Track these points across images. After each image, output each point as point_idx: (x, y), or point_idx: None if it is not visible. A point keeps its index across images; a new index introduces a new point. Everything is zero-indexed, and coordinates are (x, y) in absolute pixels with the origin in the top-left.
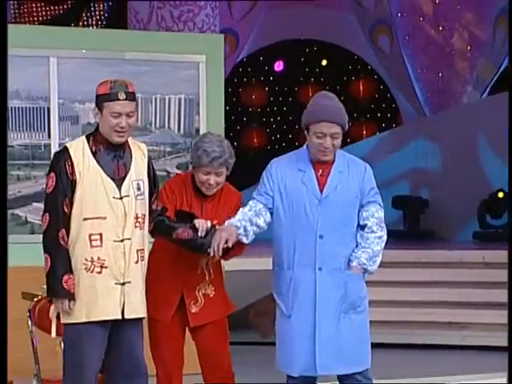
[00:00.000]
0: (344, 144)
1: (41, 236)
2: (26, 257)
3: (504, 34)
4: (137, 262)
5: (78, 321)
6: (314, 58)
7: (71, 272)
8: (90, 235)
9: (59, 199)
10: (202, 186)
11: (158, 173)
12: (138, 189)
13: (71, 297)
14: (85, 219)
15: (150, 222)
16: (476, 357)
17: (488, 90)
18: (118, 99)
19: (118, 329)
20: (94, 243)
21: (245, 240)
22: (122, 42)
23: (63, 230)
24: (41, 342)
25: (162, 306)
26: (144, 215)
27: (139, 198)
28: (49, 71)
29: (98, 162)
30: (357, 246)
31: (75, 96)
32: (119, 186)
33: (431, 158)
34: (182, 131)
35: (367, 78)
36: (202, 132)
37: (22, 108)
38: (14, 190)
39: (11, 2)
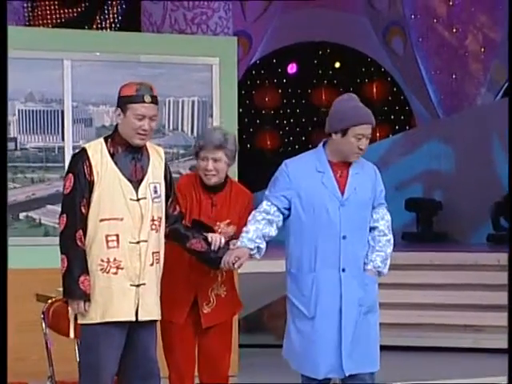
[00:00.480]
0: None
1: (55, 238)
2: (40, 259)
3: None
4: (152, 265)
5: (93, 321)
6: (327, 60)
7: (87, 273)
8: (107, 236)
9: (77, 200)
10: (203, 175)
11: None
12: (155, 191)
13: (87, 298)
14: (101, 220)
15: (166, 226)
16: (490, 359)
17: (502, 91)
18: (144, 102)
19: (132, 331)
20: (110, 244)
21: (257, 257)
22: (136, 45)
23: (80, 231)
24: (55, 344)
25: (175, 308)
26: (160, 218)
27: (156, 200)
28: (63, 74)
29: (115, 163)
30: (369, 248)
31: (89, 98)
32: (136, 188)
33: (445, 160)
34: (195, 133)
35: (381, 80)
36: None
37: (36, 111)
38: (27, 192)
39: (25, 5)
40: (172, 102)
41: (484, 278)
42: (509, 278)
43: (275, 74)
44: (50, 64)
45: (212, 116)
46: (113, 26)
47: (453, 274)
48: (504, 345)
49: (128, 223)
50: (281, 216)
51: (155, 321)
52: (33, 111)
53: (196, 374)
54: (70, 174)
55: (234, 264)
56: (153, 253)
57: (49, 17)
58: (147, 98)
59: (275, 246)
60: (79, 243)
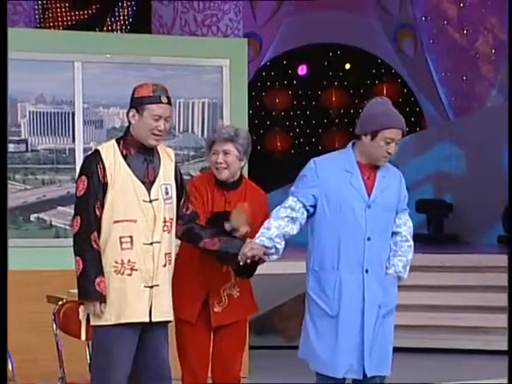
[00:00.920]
0: None
1: (66, 240)
2: (50, 261)
3: None
4: (165, 266)
5: (107, 323)
6: (337, 61)
7: (103, 274)
8: (121, 238)
9: (91, 202)
10: (214, 169)
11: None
12: (167, 193)
13: (103, 299)
14: (115, 222)
15: (180, 227)
16: (500, 361)
17: None
18: (161, 102)
19: (144, 332)
20: (124, 246)
21: (274, 257)
22: (146, 47)
23: (95, 233)
24: (65, 346)
25: (187, 305)
26: (172, 219)
27: (167, 202)
28: (74, 76)
29: (128, 165)
30: (391, 252)
31: (100, 100)
32: (149, 190)
33: (455, 162)
34: (205, 135)
35: (391, 81)
36: None
37: (47, 112)
38: (38, 194)
39: (36, 7)
40: (182, 103)
41: (494, 279)
42: (509, 279)
43: (285, 76)
44: (61, 66)
45: (222, 117)
46: (123, 27)
47: (463, 275)
48: None
49: (141, 225)
50: (305, 213)
51: (167, 322)
52: (44, 113)
53: (209, 374)
54: (84, 176)
55: (248, 257)
56: (165, 254)
57: (60, 19)
58: (164, 99)
59: (288, 247)
60: (94, 245)
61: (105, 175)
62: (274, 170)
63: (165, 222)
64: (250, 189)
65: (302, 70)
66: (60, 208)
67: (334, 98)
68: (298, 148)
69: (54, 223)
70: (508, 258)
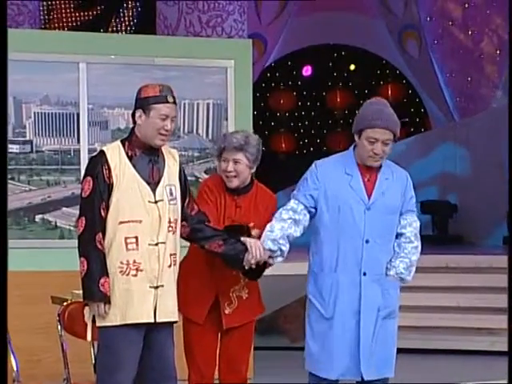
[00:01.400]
0: None
1: (70, 241)
2: (55, 261)
3: None
4: (170, 266)
5: (113, 323)
6: (342, 62)
7: (107, 275)
8: (126, 238)
9: (96, 203)
10: (224, 177)
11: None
12: (171, 194)
13: (107, 300)
14: (121, 223)
15: (185, 228)
16: (505, 362)
17: None
18: (168, 102)
19: (149, 333)
20: (129, 246)
21: (279, 259)
22: (151, 48)
23: (100, 234)
24: (70, 346)
25: (196, 306)
26: (176, 220)
27: (172, 202)
28: (78, 77)
29: (133, 166)
30: (394, 254)
31: (104, 101)
32: (154, 191)
33: (460, 163)
34: (210, 136)
35: (395, 82)
36: None
37: (52, 113)
38: (43, 194)
39: (41, 8)
40: (187, 104)
41: (500, 280)
42: (509, 280)
43: (290, 77)
44: (66, 67)
45: (227, 119)
46: (128, 28)
47: (468, 276)
48: None
49: (147, 225)
50: (307, 215)
51: (172, 323)
52: (48, 114)
53: (216, 375)
54: (89, 177)
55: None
56: (170, 254)
57: (64, 20)
58: (170, 99)
59: (293, 248)
60: (99, 246)
61: (110, 176)
62: (278, 171)
63: (169, 222)
64: (260, 192)
65: (307, 70)
66: (65, 209)
67: (338, 99)
68: (302, 149)
69: (58, 224)
70: (508, 259)
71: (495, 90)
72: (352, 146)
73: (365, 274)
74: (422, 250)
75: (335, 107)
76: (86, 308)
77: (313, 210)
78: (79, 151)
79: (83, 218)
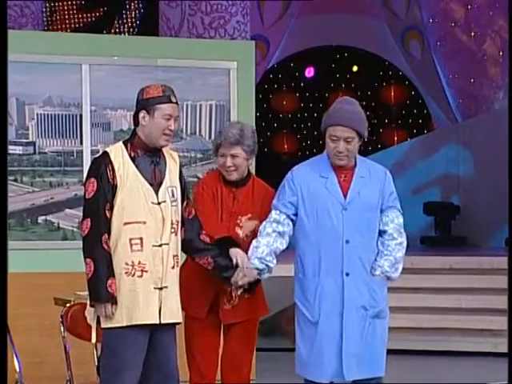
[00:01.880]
0: (375, 150)
1: (73, 242)
2: (58, 263)
3: None
4: (173, 268)
5: (119, 325)
6: (344, 64)
7: (114, 276)
8: (131, 239)
9: (101, 204)
10: (223, 171)
11: (188, 179)
12: (173, 195)
13: (114, 301)
14: (125, 224)
15: (181, 232)
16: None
17: None
18: (171, 101)
19: (154, 334)
20: (134, 247)
21: (265, 276)
22: (154, 49)
23: (106, 235)
24: (73, 348)
25: (196, 301)
26: (178, 221)
27: (174, 204)
28: (81, 78)
29: (136, 167)
30: (378, 253)
31: (107, 103)
32: (156, 192)
33: (463, 164)
34: (212, 138)
35: (398, 84)
36: None
37: (55, 115)
38: (46, 196)
39: (44, 10)
40: (190, 106)
41: (502, 282)
42: (509, 281)
43: (293, 78)
44: (69, 68)
45: (230, 120)
46: (131, 30)
47: (471, 278)
48: None
49: (151, 226)
50: (291, 224)
51: (176, 324)
52: (51, 115)
53: (218, 377)
54: (93, 178)
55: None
56: (173, 256)
57: (67, 21)
58: (173, 98)
59: (293, 250)
60: (105, 246)
61: (114, 177)
62: (281, 173)
63: (172, 224)
64: (257, 185)
65: (310, 72)
66: (67, 210)
67: None
68: (305, 150)
69: (61, 225)
70: (508, 261)
71: (498, 92)
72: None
73: (347, 274)
74: (425, 251)
75: None
76: (88, 310)
77: (295, 218)
78: (82, 152)
79: (88, 220)
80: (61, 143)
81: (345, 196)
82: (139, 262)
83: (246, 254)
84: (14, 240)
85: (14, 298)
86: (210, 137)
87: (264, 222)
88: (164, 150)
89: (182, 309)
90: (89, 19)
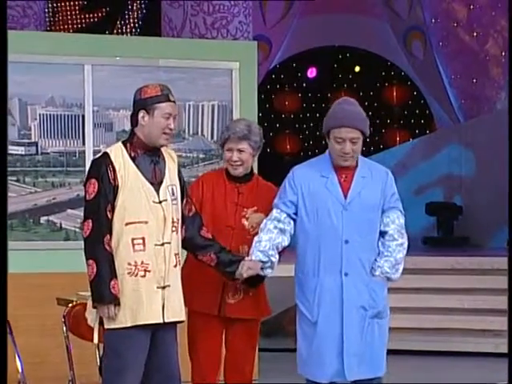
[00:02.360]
0: (377, 150)
1: (75, 242)
2: (60, 263)
3: None
4: (175, 266)
5: (123, 325)
6: (347, 64)
7: (116, 277)
8: (133, 239)
9: (102, 205)
10: (229, 166)
11: (191, 179)
12: (173, 194)
13: (117, 302)
14: (127, 224)
15: (182, 230)
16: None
17: None
18: (170, 100)
19: (156, 333)
20: (136, 247)
21: (269, 271)
22: (156, 50)
23: (108, 236)
24: (75, 348)
25: (200, 296)
26: (178, 220)
27: (174, 202)
28: (83, 78)
29: (137, 166)
30: (379, 253)
31: (109, 103)
32: (157, 191)
33: (465, 165)
34: (215, 138)
35: (400, 84)
36: None
37: (57, 115)
38: (48, 196)
39: (46, 10)
40: (192, 106)
41: (504, 282)
42: (509, 282)
43: (295, 78)
44: (71, 69)
45: (232, 120)
46: (133, 30)
47: (473, 278)
48: None
49: (152, 226)
50: (292, 222)
51: (177, 323)
52: (54, 116)
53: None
54: (94, 179)
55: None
56: (175, 254)
57: (70, 22)
58: (171, 97)
59: (294, 250)
60: (107, 247)
61: (115, 178)
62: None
63: (173, 222)
64: (261, 184)
65: (312, 72)
66: (70, 211)
67: None
68: (307, 150)
69: (63, 226)
70: (508, 261)
71: (500, 92)
72: (328, 149)
73: (346, 274)
74: (427, 251)
75: None
76: (88, 311)
77: (296, 217)
78: (84, 153)
79: (89, 221)
80: (63, 143)
81: (345, 196)
82: (142, 262)
83: (251, 245)
84: (17, 240)
85: (15, 299)
86: (212, 137)
87: (265, 220)
88: (162, 149)
89: (186, 306)
90: (91, 20)
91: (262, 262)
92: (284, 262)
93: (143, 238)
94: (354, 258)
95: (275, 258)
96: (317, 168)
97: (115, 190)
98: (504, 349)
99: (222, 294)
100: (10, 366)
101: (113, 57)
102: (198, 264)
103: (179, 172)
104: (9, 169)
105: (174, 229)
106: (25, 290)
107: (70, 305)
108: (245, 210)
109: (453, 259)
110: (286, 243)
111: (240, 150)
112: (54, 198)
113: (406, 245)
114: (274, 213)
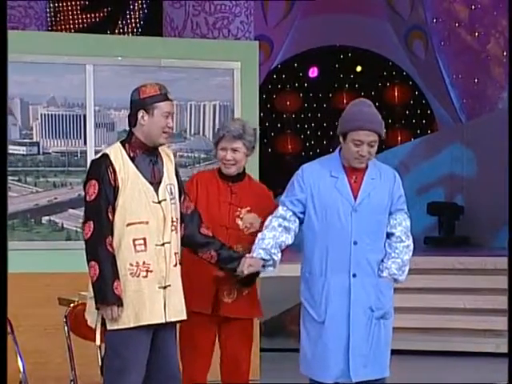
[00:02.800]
0: (379, 150)
1: (77, 242)
2: (61, 263)
3: None
4: (175, 266)
5: (126, 326)
6: (348, 64)
7: (119, 278)
8: (134, 240)
9: (103, 206)
10: (222, 165)
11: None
12: (171, 193)
13: (120, 303)
14: (128, 225)
15: (181, 228)
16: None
17: None
18: (168, 99)
19: (157, 333)
20: (138, 248)
21: (270, 269)
22: (158, 50)
23: (109, 237)
24: (77, 348)
25: (195, 296)
26: (177, 219)
27: (172, 201)
28: (85, 78)
29: (136, 167)
30: (385, 255)
31: (111, 103)
32: (156, 191)
33: (466, 164)
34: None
35: (402, 84)
36: None
37: (59, 115)
38: (50, 196)
39: (48, 10)
40: (193, 106)
41: (506, 282)
42: (509, 282)
43: (296, 78)
44: (73, 69)
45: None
46: (135, 30)
47: (475, 278)
48: None
49: (153, 226)
50: (297, 221)
51: (177, 322)
52: (55, 116)
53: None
54: (94, 181)
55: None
56: (175, 253)
57: (71, 22)
58: (169, 96)
59: (297, 250)
60: (109, 249)
61: (115, 179)
62: (284, 173)
63: (172, 222)
64: (254, 184)
65: (313, 72)
66: (71, 210)
67: (344, 101)
68: (308, 150)
69: (65, 226)
70: (508, 261)
71: (502, 92)
72: (338, 148)
73: (354, 275)
74: (429, 251)
75: (341, 109)
76: (88, 312)
77: (302, 216)
78: (86, 153)
79: (91, 223)
80: (65, 143)
81: (355, 197)
82: (144, 263)
83: (246, 245)
84: (18, 240)
85: (17, 299)
86: (213, 137)
87: (270, 217)
88: (159, 148)
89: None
90: (93, 20)
91: (264, 259)
92: (287, 262)
93: (144, 239)
94: (363, 259)
95: (277, 257)
96: (326, 167)
97: (115, 191)
98: (505, 349)
99: (216, 293)
100: (12, 366)
101: (114, 57)
102: (192, 263)
103: (176, 171)
104: (10, 169)
105: (173, 228)
106: (26, 290)
107: (72, 305)
108: (238, 209)
109: (454, 259)
110: (289, 242)
111: (234, 150)
112: (55, 198)
113: (411, 247)
114: (280, 210)
